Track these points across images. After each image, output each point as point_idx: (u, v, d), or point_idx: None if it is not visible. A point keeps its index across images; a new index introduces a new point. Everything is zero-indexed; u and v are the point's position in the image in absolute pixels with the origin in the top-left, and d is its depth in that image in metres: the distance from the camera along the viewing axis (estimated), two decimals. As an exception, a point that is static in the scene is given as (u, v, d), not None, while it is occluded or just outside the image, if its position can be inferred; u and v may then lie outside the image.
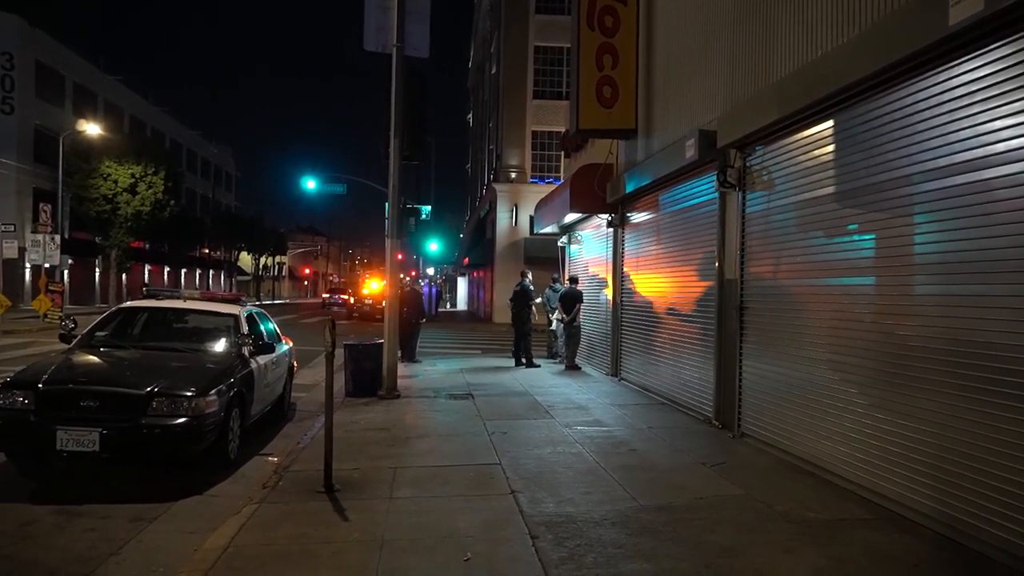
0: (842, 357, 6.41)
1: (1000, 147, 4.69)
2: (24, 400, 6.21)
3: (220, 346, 8.01)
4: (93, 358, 7.37)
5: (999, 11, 4.43)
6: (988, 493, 4.70)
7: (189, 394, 6.39)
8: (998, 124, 4.72)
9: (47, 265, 27.30)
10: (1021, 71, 4.55)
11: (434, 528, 5.22)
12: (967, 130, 4.98)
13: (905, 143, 5.60)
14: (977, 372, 4.83)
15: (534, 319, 15.75)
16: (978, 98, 4.89)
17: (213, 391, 6.63)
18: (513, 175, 35.27)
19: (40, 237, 26.76)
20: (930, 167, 5.32)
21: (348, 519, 5.42)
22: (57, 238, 27.38)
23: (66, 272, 31.16)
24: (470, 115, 61.04)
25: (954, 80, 5.10)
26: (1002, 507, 4.58)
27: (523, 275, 16.15)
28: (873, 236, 6.10)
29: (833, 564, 4.58)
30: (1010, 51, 4.62)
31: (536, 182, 34.44)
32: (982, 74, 4.85)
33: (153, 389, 6.32)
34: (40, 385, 6.28)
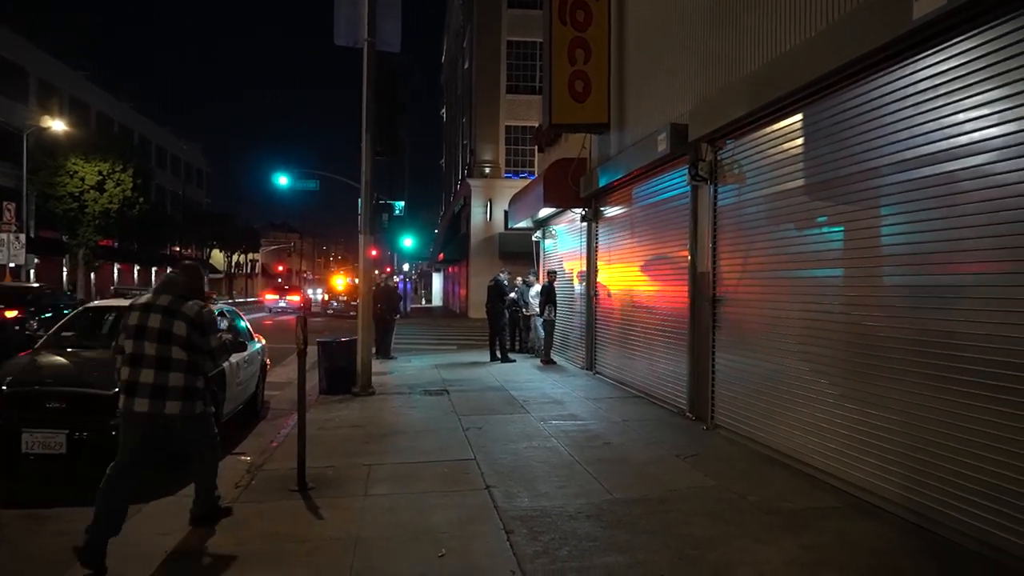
0: (812, 348, 6.49)
1: (964, 139, 4.77)
2: (-12, 403, 6.07)
3: (190, 345, 7.89)
4: (59, 359, 7.23)
5: (961, 5, 4.50)
6: (956, 480, 4.78)
7: (159, 394, 6.28)
8: (962, 117, 4.79)
9: (12, 265, 26.74)
10: (983, 64, 4.62)
11: (409, 525, 5.20)
12: (932, 123, 5.05)
13: (872, 136, 5.67)
14: (943, 361, 4.91)
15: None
16: (942, 91, 4.96)
17: (183, 391, 6.52)
18: (487, 170, 35.23)
19: (4, 236, 26.21)
20: (897, 159, 5.40)
21: (322, 517, 5.38)
22: (22, 237, 26.83)
23: (32, 271, 30.45)
24: (443, 110, 60.80)
25: (919, 74, 5.17)
26: (969, 494, 4.67)
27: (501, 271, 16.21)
28: (842, 228, 6.18)
29: (806, 553, 4.63)
30: (972, 44, 4.69)
31: (510, 177, 34.44)
32: (946, 67, 4.92)
33: (121, 389, 6.21)
34: (4, 387, 6.16)
